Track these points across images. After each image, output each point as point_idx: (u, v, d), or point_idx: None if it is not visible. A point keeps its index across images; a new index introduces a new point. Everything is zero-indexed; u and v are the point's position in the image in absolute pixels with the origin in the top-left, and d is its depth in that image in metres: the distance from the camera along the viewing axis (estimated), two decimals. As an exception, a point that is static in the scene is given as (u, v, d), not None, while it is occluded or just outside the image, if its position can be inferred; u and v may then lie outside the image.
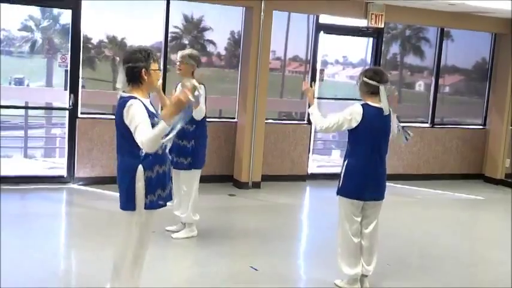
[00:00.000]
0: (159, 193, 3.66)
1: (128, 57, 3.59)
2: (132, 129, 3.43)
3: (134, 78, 3.58)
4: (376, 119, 4.41)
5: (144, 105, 3.53)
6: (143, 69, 3.56)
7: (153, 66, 3.61)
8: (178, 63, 5.59)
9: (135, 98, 3.52)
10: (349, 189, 4.51)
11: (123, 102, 3.50)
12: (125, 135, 3.52)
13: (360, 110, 4.39)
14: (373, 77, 4.41)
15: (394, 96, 4.60)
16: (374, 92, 4.41)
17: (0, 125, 9.53)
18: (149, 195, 3.59)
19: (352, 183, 4.49)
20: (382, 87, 4.37)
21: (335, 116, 4.49)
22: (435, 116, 9.90)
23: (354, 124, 4.40)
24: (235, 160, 8.30)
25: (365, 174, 4.48)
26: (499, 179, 9.81)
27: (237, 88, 8.37)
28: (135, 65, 3.55)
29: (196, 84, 3.70)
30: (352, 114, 4.40)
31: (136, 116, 3.42)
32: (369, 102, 4.43)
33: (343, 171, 4.54)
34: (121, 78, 3.60)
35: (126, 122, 3.46)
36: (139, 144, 3.40)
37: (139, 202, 3.58)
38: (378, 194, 4.60)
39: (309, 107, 4.78)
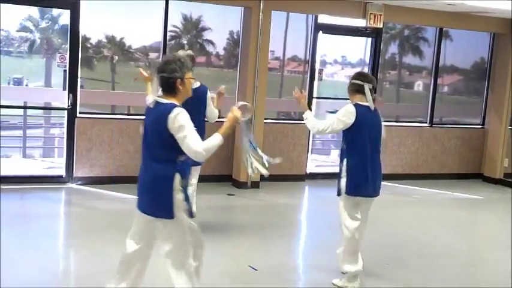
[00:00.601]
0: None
1: (162, 67, 3.56)
2: (179, 137, 3.41)
3: (169, 88, 3.55)
4: (368, 116, 4.59)
5: None
6: (178, 80, 3.54)
7: (188, 75, 3.60)
8: None
9: (178, 106, 3.51)
10: (353, 187, 4.58)
11: (165, 108, 3.46)
12: (165, 142, 3.47)
13: (353, 109, 4.57)
14: (358, 77, 4.72)
15: (379, 101, 4.83)
16: (359, 91, 4.62)
17: (-1, 125, 9.54)
18: (190, 203, 3.60)
19: (356, 180, 4.58)
20: (366, 86, 4.59)
21: (329, 119, 4.67)
22: (434, 115, 9.91)
23: (349, 122, 4.53)
24: (234, 160, 8.29)
25: (367, 170, 4.58)
26: (497, 179, 9.83)
27: (236, 88, 8.37)
28: (170, 75, 3.52)
29: (249, 104, 3.95)
30: (346, 114, 4.57)
31: (186, 125, 3.42)
32: (358, 102, 4.60)
33: (344, 170, 4.61)
34: (155, 86, 3.61)
35: (172, 128, 3.42)
36: (187, 152, 3.41)
37: (183, 209, 3.57)
38: (378, 191, 4.71)
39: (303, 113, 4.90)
